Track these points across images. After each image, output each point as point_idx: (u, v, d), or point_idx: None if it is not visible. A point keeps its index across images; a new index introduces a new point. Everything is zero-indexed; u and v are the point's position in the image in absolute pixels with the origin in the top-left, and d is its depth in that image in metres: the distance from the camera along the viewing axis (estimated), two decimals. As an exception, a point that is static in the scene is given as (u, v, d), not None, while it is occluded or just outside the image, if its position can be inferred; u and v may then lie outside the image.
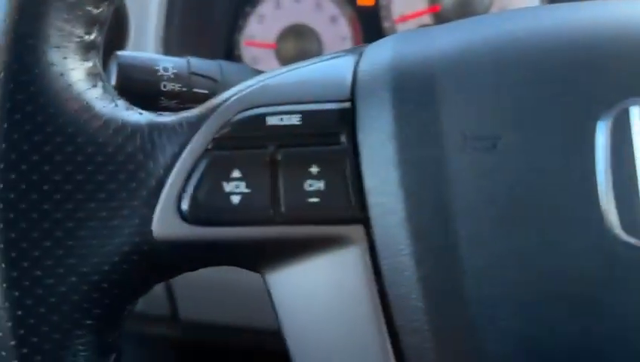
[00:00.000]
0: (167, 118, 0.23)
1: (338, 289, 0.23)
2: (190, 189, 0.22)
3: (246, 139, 0.23)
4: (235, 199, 0.22)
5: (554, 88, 0.21)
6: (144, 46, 0.50)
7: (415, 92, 0.22)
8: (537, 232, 0.21)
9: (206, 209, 0.22)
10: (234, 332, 0.54)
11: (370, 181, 0.22)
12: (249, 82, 0.24)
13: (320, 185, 0.22)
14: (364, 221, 0.22)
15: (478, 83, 0.22)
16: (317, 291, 0.23)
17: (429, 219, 0.21)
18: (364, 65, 0.23)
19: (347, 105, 0.23)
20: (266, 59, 0.56)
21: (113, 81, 0.31)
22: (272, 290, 0.24)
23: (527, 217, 0.21)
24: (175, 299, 0.53)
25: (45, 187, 0.22)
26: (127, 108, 0.24)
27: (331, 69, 0.24)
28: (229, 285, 0.49)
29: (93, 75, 0.24)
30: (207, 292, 0.51)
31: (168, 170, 0.23)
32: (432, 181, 0.21)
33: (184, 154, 0.23)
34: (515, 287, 0.21)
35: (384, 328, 0.22)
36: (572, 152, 0.21)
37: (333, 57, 0.25)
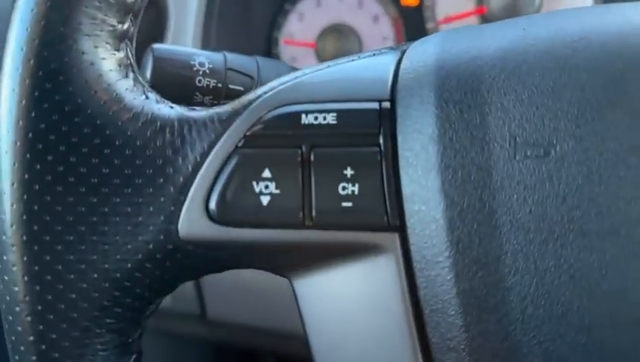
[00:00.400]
0: (198, 112, 0.23)
1: (369, 299, 0.21)
2: (219, 188, 0.21)
3: (278, 138, 0.22)
4: (265, 200, 0.21)
5: (615, 93, 0.20)
6: (183, 42, 0.50)
7: (461, 93, 0.20)
8: (592, 250, 0.19)
9: (234, 209, 0.21)
10: (261, 335, 0.53)
11: (408, 186, 0.20)
12: (284, 78, 0.23)
13: (354, 188, 0.21)
14: (400, 229, 0.21)
15: (530, 85, 0.20)
16: (346, 300, 0.22)
17: (471, 230, 0.20)
18: (406, 64, 0.22)
19: (387, 105, 0.21)
20: (305, 59, 0.55)
21: (148, 74, 0.30)
22: (299, 296, 0.22)
23: (580, 233, 0.19)
24: (204, 298, 0.52)
25: (71, 179, 0.21)
26: (158, 102, 0.23)
27: (371, 67, 0.23)
28: (259, 287, 0.48)
29: (124, 66, 0.23)
30: (236, 292, 0.51)
31: (197, 166, 0.22)
32: (477, 189, 0.20)
33: (214, 151, 0.22)
34: (564, 308, 0.19)
35: (417, 344, 0.21)
36: (633, 163, 0.19)
37: (374, 55, 0.24)
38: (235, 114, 0.22)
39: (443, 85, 0.21)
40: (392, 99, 0.21)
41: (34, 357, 0.21)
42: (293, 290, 0.23)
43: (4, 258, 0.21)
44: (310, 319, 0.22)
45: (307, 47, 0.55)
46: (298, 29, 0.56)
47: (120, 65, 0.23)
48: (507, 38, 0.22)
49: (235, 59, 0.33)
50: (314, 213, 0.21)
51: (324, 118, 0.21)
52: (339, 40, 0.55)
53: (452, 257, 0.20)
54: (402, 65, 0.22)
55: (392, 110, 0.21)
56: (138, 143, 0.22)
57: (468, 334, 0.20)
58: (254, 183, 0.21)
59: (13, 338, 0.21)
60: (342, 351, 0.22)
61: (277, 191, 0.21)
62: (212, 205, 0.21)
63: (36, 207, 0.21)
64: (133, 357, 0.23)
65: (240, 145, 0.22)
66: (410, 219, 0.20)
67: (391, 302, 0.21)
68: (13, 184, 0.21)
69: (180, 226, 0.21)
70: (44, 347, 0.21)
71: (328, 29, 0.55)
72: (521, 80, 0.20)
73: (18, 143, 0.21)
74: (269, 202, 0.21)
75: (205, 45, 0.50)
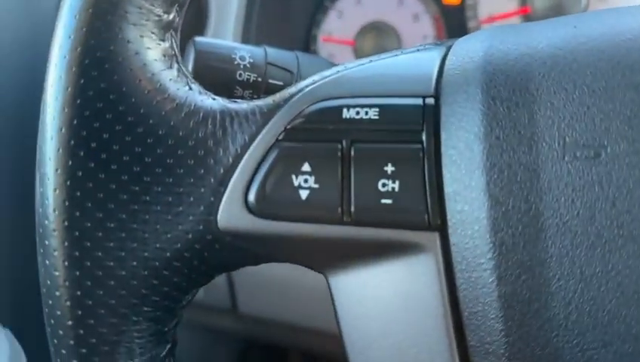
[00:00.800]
0: (240, 105, 0.23)
1: (406, 299, 0.21)
2: (258, 180, 0.21)
3: (319, 132, 0.21)
4: (304, 194, 0.21)
5: None
6: (223, 37, 0.51)
7: (509, 90, 0.20)
8: None
9: (273, 202, 0.21)
10: (291, 331, 0.53)
11: (451, 185, 0.20)
12: (326, 73, 0.23)
13: (394, 185, 0.20)
14: (441, 228, 0.20)
15: (580, 84, 0.20)
16: (383, 299, 0.21)
17: (516, 232, 0.19)
18: (452, 59, 0.21)
19: (431, 101, 0.21)
20: (343, 56, 0.55)
21: (190, 67, 0.31)
22: (334, 293, 0.22)
23: (630, 238, 0.18)
24: (236, 292, 0.53)
25: (113, 167, 0.21)
26: (201, 93, 0.23)
27: (415, 62, 0.22)
28: (291, 282, 0.48)
29: (169, 56, 0.23)
30: (268, 287, 0.51)
31: (238, 158, 0.22)
32: (523, 190, 0.19)
33: (255, 144, 0.22)
34: (610, 316, 0.19)
35: (454, 346, 0.20)
36: None
37: (418, 50, 0.23)
38: (276, 107, 0.22)
39: (490, 82, 0.20)
40: (437, 95, 0.21)
41: (72, 342, 0.21)
42: (329, 287, 0.22)
43: (46, 242, 0.21)
44: (345, 316, 0.22)
45: (346, 44, 0.55)
46: (337, 27, 0.55)
47: (165, 56, 0.23)
48: (557, 36, 0.21)
49: (276, 54, 0.33)
50: (352, 209, 0.21)
51: (366, 113, 0.21)
52: (378, 38, 0.54)
53: (495, 259, 0.19)
54: (448, 61, 0.22)
55: (436, 106, 0.21)
56: (180, 133, 0.22)
57: (508, 339, 0.19)
58: (294, 177, 0.21)
59: (52, 321, 0.22)
60: (376, 350, 0.22)
61: (316, 186, 0.21)
62: (251, 197, 0.21)
63: (78, 193, 0.21)
64: (168, 346, 0.23)
65: (280, 138, 0.22)
66: (452, 218, 0.20)
67: (429, 302, 0.20)
68: (57, 170, 0.21)
69: (219, 217, 0.21)
70: (82, 332, 0.21)
71: (367, 26, 0.55)
72: (571, 78, 0.20)
73: (63, 130, 0.21)
74: (308, 196, 0.21)
75: (245, 41, 0.50)
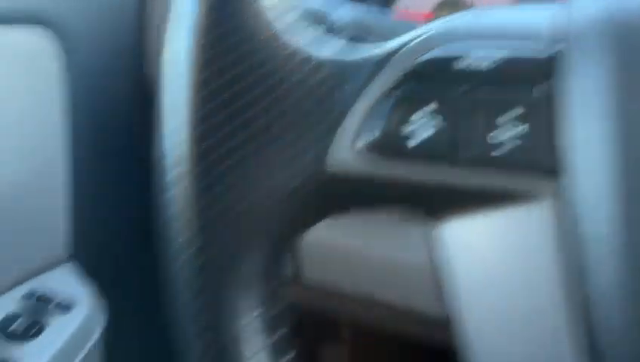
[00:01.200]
0: (352, 54, 0.23)
1: (518, 249, 0.21)
2: (369, 127, 0.22)
3: (432, 79, 0.21)
4: (414, 141, 0.21)
5: None
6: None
7: (638, 40, 0.20)
8: None
9: (383, 147, 0.22)
10: (353, 302, 0.53)
11: (575, 133, 0.20)
12: (437, 22, 0.23)
13: (512, 133, 0.20)
14: (561, 177, 0.20)
15: None
16: (493, 250, 0.21)
17: None
18: (578, 9, 0.21)
19: (555, 49, 0.21)
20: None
21: None
22: (439, 242, 0.22)
23: None
24: (300, 258, 0.53)
25: (234, 106, 0.22)
26: (314, 41, 0.23)
27: (538, 11, 0.22)
28: (359, 251, 0.49)
29: (284, 3, 0.24)
30: (332, 256, 0.51)
31: (348, 106, 0.22)
32: None
33: (366, 92, 0.22)
34: None
35: (568, 298, 0.20)
36: None
37: (536, 5, 0.23)
38: (388, 56, 0.22)
39: (620, 32, 0.20)
40: (563, 42, 0.21)
41: (192, 272, 0.23)
42: (433, 236, 0.23)
43: (172, 173, 0.22)
44: (449, 268, 0.22)
45: (422, 19, 0.55)
46: (413, 1, 0.55)
47: (281, 3, 0.23)
48: None
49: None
50: (467, 153, 0.21)
51: (484, 60, 0.21)
52: (456, 12, 0.54)
53: (620, 210, 0.19)
54: (574, 9, 0.21)
55: (561, 55, 0.20)
56: (294, 79, 0.22)
57: (626, 289, 0.19)
58: (405, 124, 0.21)
59: (173, 252, 0.23)
60: (483, 301, 0.22)
61: (429, 132, 0.21)
62: (362, 142, 0.22)
63: (204, 128, 0.22)
64: (277, 282, 0.24)
65: (392, 86, 0.22)
66: (573, 168, 0.20)
67: (543, 252, 0.20)
68: (182, 106, 0.22)
69: (330, 160, 0.22)
70: (202, 260, 0.22)
71: (445, 2, 0.54)
72: None
73: (189, 67, 0.22)
74: (420, 142, 0.21)
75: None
